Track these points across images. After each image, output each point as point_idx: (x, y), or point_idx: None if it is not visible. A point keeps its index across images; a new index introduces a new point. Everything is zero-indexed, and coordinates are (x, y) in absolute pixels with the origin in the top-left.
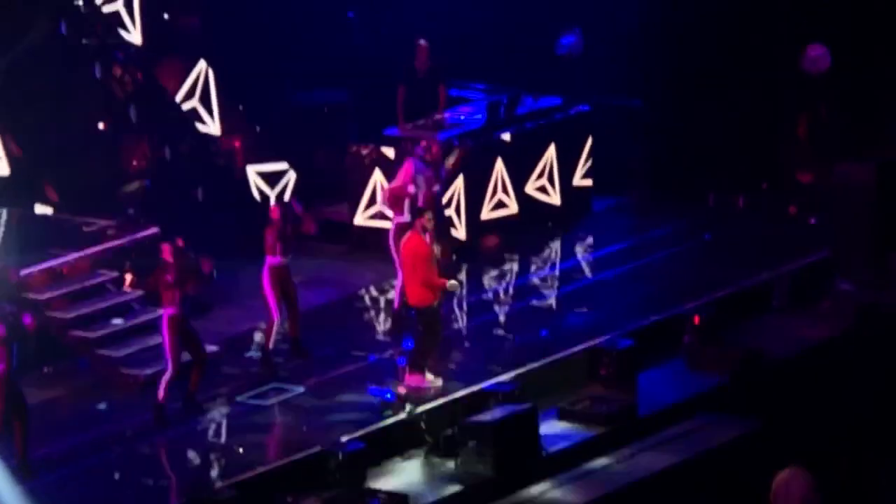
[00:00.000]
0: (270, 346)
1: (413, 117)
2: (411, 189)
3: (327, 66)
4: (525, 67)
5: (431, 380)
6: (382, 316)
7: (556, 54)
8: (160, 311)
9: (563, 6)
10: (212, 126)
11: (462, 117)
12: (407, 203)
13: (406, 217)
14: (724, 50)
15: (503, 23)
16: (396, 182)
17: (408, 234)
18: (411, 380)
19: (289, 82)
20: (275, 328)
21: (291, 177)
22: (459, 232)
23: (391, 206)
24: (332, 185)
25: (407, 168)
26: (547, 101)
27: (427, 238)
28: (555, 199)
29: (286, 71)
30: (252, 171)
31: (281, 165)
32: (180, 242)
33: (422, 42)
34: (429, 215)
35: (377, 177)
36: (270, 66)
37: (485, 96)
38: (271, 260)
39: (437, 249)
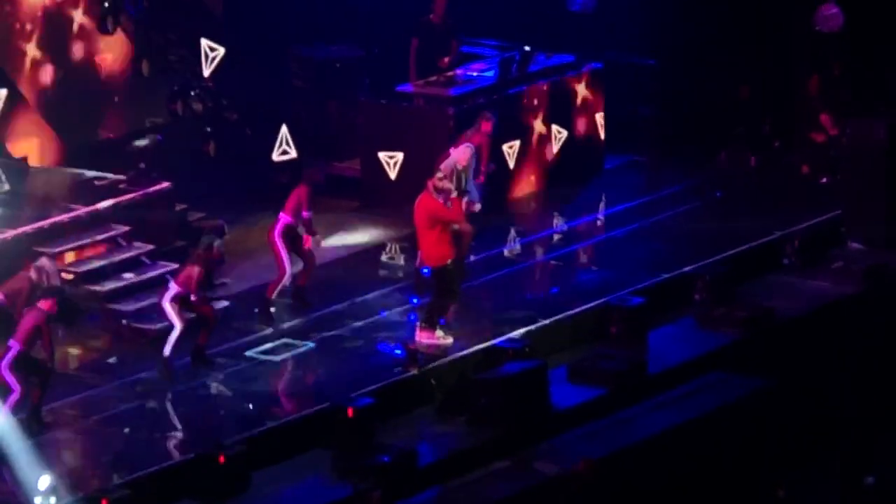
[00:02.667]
0: (273, 296)
1: (425, 72)
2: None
3: (339, 20)
4: (538, 24)
5: (441, 336)
6: (392, 271)
7: (569, 10)
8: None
9: None
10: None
11: (474, 74)
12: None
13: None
14: (736, 8)
15: None
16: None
17: (420, 195)
18: (422, 336)
19: (300, 37)
20: (282, 282)
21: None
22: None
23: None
24: (344, 141)
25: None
26: (559, 58)
27: (440, 198)
28: (566, 156)
29: (298, 25)
30: (285, 130)
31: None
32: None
33: None
34: (440, 174)
35: None
36: (282, 19)
37: (497, 53)
38: (286, 218)
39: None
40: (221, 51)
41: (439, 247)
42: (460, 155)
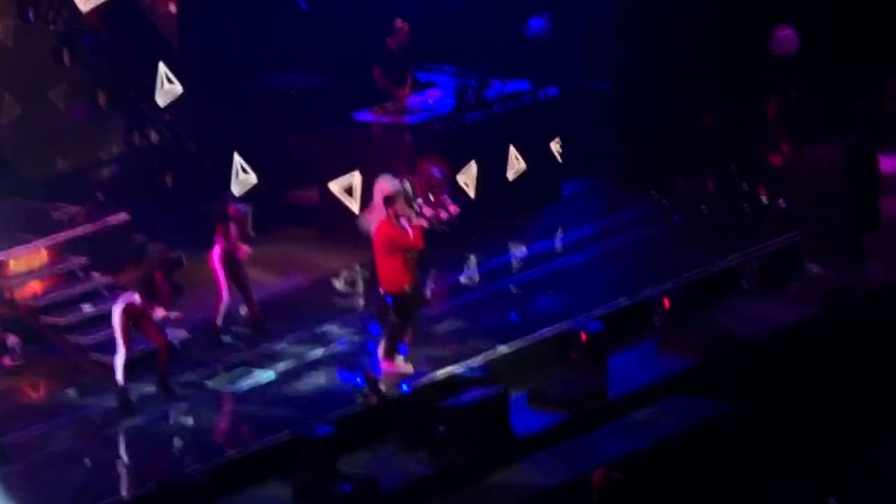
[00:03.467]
0: (219, 322)
1: (383, 99)
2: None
3: (295, 50)
4: (494, 51)
5: (402, 364)
6: (352, 300)
7: (525, 37)
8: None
9: None
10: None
11: (430, 101)
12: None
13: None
14: (693, 33)
15: (472, 5)
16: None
17: (379, 221)
18: (384, 365)
19: (258, 67)
20: (222, 307)
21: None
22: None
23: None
24: (302, 170)
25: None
26: (516, 84)
27: (399, 225)
28: (524, 182)
29: (255, 56)
30: (238, 157)
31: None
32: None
33: (400, 23)
34: (401, 201)
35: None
36: (238, 50)
37: (453, 80)
38: (221, 243)
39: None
40: (178, 87)
41: (398, 272)
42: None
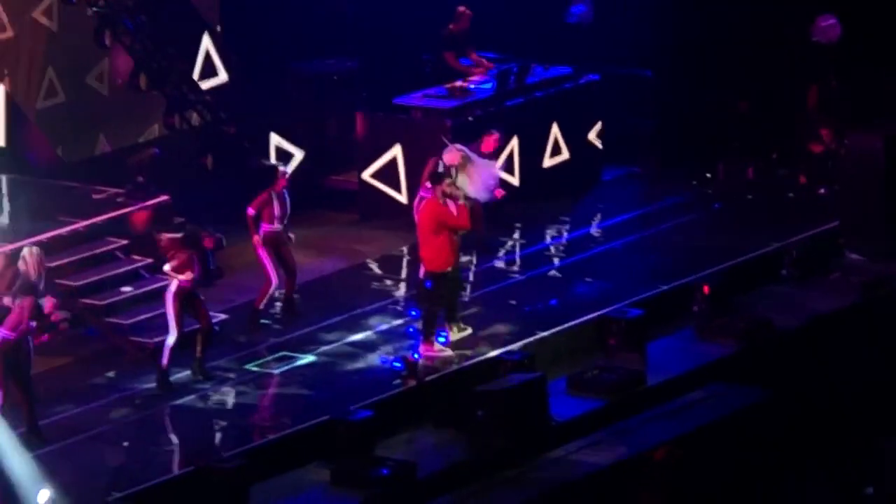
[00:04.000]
0: (261, 306)
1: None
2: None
3: (335, 34)
4: (535, 36)
5: (440, 349)
6: (391, 284)
7: (566, 22)
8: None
9: None
10: (221, 75)
11: (472, 86)
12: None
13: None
14: (734, 20)
15: None
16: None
17: (425, 200)
18: (424, 349)
19: (297, 51)
20: (270, 291)
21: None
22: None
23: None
24: (342, 154)
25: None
26: (557, 70)
27: (447, 203)
28: (564, 168)
29: (295, 39)
30: (275, 137)
31: (297, 152)
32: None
33: (463, 8)
34: (448, 181)
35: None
36: (279, 34)
37: (495, 65)
38: (266, 226)
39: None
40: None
41: (442, 252)
42: (448, 157)
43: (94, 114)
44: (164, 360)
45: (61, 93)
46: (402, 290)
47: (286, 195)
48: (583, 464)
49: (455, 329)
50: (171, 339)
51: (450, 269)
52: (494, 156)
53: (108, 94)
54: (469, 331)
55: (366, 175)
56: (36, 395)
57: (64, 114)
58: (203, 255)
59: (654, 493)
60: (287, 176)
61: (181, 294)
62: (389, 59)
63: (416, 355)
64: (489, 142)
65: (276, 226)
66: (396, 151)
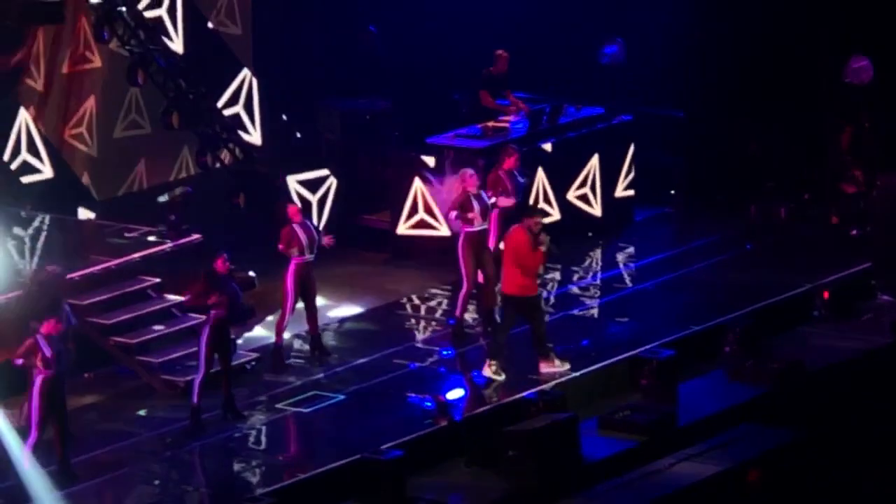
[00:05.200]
0: (281, 342)
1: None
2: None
3: (368, 73)
4: (568, 77)
5: (560, 363)
6: (423, 324)
7: (599, 63)
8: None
9: (606, 15)
10: (254, 135)
11: (505, 126)
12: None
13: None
14: (766, 60)
15: (546, 32)
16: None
17: (514, 226)
18: (543, 366)
19: (330, 89)
20: (285, 322)
21: (332, 182)
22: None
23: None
24: (375, 193)
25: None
26: (589, 110)
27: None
28: (596, 208)
29: (328, 79)
30: (292, 180)
31: (322, 172)
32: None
33: (501, 51)
34: (537, 218)
35: (419, 186)
36: (312, 73)
37: (528, 105)
38: (297, 259)
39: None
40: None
41: (521, 279)
42: (462, 183)
43: (127, 152)
44: (195, 398)
45: (98, 130)
46: (433, 330)
47: (309, 224)
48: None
49: (557, 361)
50: (199, 376)
51: (530, 295)
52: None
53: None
54: (568, 366)
55: (401, 230)
56: (70, 431)
57: (97, 152)
58: (233, 293)
59: None
60: (299, 207)
61: (215, 328)
62: (422, 99)
63: (448, 395)
64: (510, 161)
65: (307, 256)
66: (417, 186)
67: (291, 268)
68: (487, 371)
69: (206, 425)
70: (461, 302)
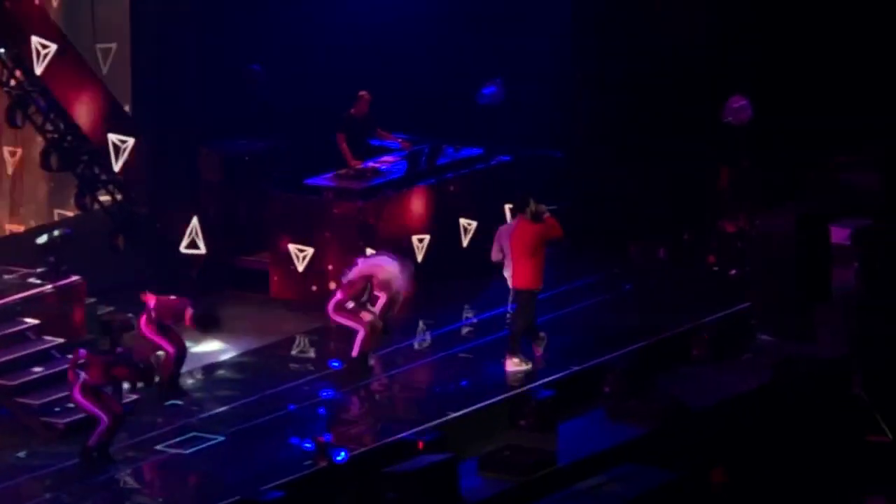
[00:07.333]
0: (165, 379)
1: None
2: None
3: (247, 115)
4: (447, 117)
5: (516, 363)
6: (303, 364)
7: (477, 103)
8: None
9: (485, 56)
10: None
11: (383, 167)
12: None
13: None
14: (645, 100)
15: (423, 73)
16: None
17: (513, 221)
18: (507, 363)
19: (210, 131)
20: (171, 364)
21: (195, 223)
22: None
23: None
24: (253, 234)
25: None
26: (468, 151)
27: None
28: (473, 248)
29: (207, 120)
30: (195, 222)
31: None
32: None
33: (363, 93)
34: (533, 200)
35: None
36: (190, 114)
37: (404, 142)
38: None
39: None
40: (130, 142)
41: (537, 270)
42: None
43: (3, 193)
44: (93, 441)
45: None
46: (313, 371)
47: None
48: None
49: (519, 359)
50: (102, 425)
51: (538, 289)
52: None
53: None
54: (530, 365)
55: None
56: None
57: None
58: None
59: None
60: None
61: (86, 388)
62: (304, 139)
63: (325, 436)
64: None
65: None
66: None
67: (143, 320)
68: (511, 365)
69: (87, 469)
70: (359, 343)
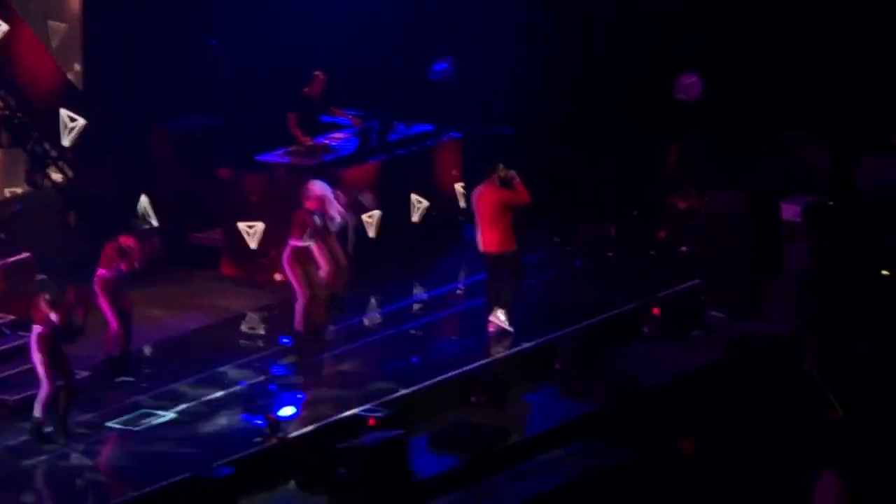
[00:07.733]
0: (116, 353)
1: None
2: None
3: (199, 92)
4: (398, 94)
5: (501, 320)
6: (255, 340)
7: (429, 80)
8: (31, 331)
9: (436, 33)
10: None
11: (334, 143)
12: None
13: (302, 242)
14: (595, 77)
15: (377, 48)
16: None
17: (481, 186)
18: (495, 317)
19: (161, 108)
20: (114, 337)
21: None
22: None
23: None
24: (205, 210)
25: (315, 192)
26: (419, 127)
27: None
28: (424, 225)
29: (159, 97)
30: (145, 199)
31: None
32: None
33: (318, 73)
34: (502, 166)
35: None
36: (143, 92)
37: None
38: (103, 272)
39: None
40: (81, 121)
41: (509, 232)
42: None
43: None
44: (38, 412)
45: None
46: (264, 348)
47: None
48: None
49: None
50: (42, 391)
51: (509, 250)
52: None
53: None
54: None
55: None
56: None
57: None
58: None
59: None
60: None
61: (44, 344)
62: (256, 116)
63: (277, 413)
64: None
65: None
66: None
67: (98, 281)
68: (497, 319)
69: (37, 444)
70: (300, 314)
